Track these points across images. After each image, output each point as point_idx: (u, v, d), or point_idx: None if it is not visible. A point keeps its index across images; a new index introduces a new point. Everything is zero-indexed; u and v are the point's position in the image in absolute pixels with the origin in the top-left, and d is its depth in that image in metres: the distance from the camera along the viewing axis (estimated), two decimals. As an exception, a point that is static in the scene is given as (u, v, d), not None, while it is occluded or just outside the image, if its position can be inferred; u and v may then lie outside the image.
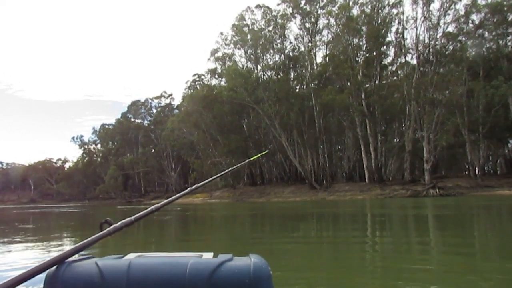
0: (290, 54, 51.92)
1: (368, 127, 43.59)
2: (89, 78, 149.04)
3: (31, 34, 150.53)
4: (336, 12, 45.78)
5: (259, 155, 3.26)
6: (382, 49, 45.32)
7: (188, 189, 1.76)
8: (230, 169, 2.47)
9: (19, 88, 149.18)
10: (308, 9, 47.92)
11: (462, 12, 41.09)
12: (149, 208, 1.41)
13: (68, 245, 8.57)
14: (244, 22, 51.30)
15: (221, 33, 53.45)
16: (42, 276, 1.03)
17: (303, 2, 47.64)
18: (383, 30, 43.74)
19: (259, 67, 52.79)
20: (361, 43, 45.84)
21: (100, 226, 1.22)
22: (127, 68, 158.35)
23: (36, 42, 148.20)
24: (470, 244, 7.70)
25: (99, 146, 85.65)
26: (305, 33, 49.13)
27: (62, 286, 1.00)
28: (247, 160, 2.83)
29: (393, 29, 44.77)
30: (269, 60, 52.96)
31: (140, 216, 1.33)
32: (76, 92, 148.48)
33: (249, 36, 50.23)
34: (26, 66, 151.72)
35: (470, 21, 42.12)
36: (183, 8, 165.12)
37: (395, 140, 47.57)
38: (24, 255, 7.18)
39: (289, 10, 48.59)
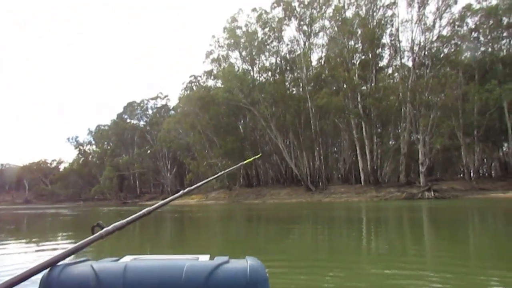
0: (287, 56, 52.01)
1: (364, 129, 43.68)
2: (85, 79, 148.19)
3: (28, 32, 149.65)
4: (331, 14, 45.95)
5: (252, 158, 3.31)
6: (377, 51, 45.45)
7: (181, 192, 1.76)
8: (223, 171, 2.47)
9: (16, 87, 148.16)
10: (303, 12, 47.99)
11: (457, 16, 41.35)
12: (142, 211, 1.41)
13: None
14: (237, 24, 51.25)
15: (213, 36, 53.51)
16: (37, 279, 1.02)
17: (297, 5, 47.72)
18: (379, 33, 43.88)
19: (255, 69, 52.85)
20: (357, 45, 45.98)
21: (92, 229, 1.22)
22: (124, 69, 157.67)
23: (34, 42, 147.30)
24: (464, 245, 7.73)
25: (94, 147, 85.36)
26: (301, 35, 49.25)
27: (57, 289, 0.99)
28: (240, 164, 2.85)
29: (388, 31, 44.98)
30: (265, 62, 53.08)
31: (132, 219, 1.33)
32: (73, 93, 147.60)
33: (242, 39, 50.19)
34: (24, 65, 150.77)
35: (465, 25, 42.41)
36: (180, 9, 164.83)
37: (390, 142, 47.66)
38: None
39: (283, 14, 48.53)
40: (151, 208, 1.46)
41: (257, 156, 4.36)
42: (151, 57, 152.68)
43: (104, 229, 1.20)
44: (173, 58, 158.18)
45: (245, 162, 2.91)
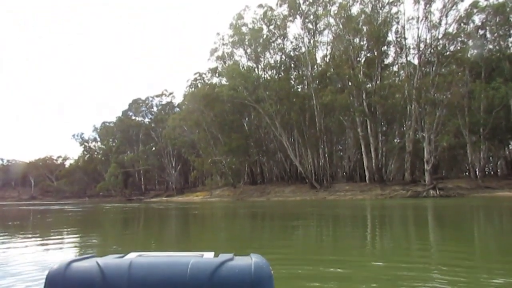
0: (291, 53, 51.87)
1: (369, 127, 43.54)
2: (91, 76, 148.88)
3: (28, 32, 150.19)
4: (336, 12, 45.73)
5: None
6: (383, 49, 45.21)
7: None
8: None
9: (21, 84, 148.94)
10: (308, 9, 47.80)
11: (463, 13, 41.01)
12: None
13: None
14: (243, 21, 51.05)
15: (218, 33, 53.41)
16: (44, 275, 1.03)
17: (302, 2, 47.47)
18: (384, 30, 43.62)
19: (260, 66, 52.75)
20: (362, 43, 45.77)
21: None
22: (124, 69, 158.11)
23: (34, 42, 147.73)
24: (468, 242, 7.70)
25: (99, 143, 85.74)
26: (306, 33, 49.07)
27: (63, 285, 1.00)
28: None
29: (394, 28, 44.70)
30: (269, 59, 52.97)
31: None
32: (78, 90, 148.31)
33: (247, 37, 50.00)
34: (28, 63, 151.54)
35: (471, 22, 42.08)
36: (180, 9, 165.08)
37: (395, 140, 47.50)
38: None
39: (288, 11, 48.29)
40: None
41: None
42: (151, 57, 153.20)
43: None
44: (173, 58, 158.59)
45: None
